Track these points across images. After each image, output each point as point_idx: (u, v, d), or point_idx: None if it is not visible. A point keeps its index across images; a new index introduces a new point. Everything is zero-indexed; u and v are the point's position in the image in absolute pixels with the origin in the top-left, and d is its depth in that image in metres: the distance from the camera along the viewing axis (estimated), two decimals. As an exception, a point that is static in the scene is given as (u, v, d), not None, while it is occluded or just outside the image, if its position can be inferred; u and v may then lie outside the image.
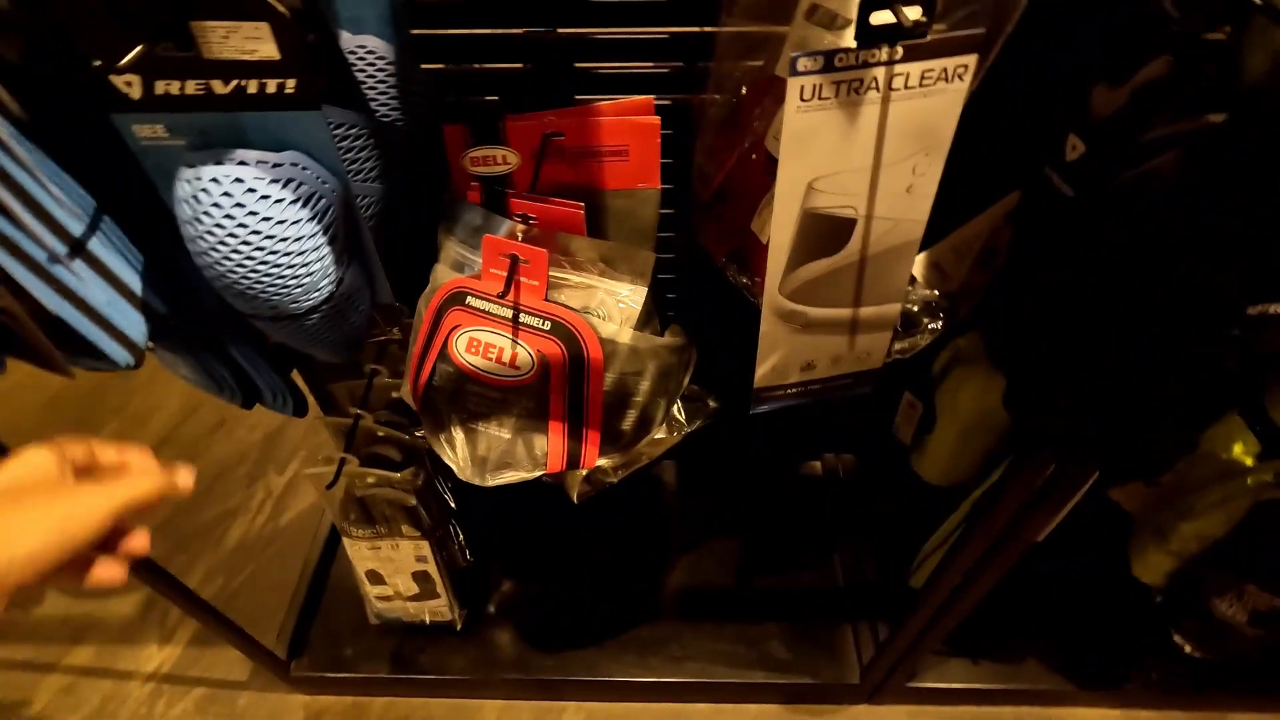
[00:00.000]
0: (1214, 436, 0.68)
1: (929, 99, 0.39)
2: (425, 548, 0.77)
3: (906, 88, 0.38)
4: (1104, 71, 0.44)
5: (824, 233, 0.44)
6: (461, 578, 0.87)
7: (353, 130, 0.53)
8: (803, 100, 0.37)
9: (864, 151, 0.40)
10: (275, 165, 0.45)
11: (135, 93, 0.42)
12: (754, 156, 0.50)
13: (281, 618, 0.95)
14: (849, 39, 0.46)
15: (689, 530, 1.02)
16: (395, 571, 0.80)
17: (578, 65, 0.64)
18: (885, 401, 0.89)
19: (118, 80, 0.42)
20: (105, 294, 0.48)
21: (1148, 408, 0.48)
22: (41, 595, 0.92)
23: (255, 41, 0.42)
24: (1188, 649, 0.79)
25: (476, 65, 0.63)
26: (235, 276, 0.45)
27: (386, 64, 0.58)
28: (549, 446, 0.51)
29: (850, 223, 0.44)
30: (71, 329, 0.47)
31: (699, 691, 0.91)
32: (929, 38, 0.36)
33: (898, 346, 0.55)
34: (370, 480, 0.71)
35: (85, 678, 0.98)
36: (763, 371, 0.53)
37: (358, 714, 0.93)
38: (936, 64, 0.37)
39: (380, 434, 0.73)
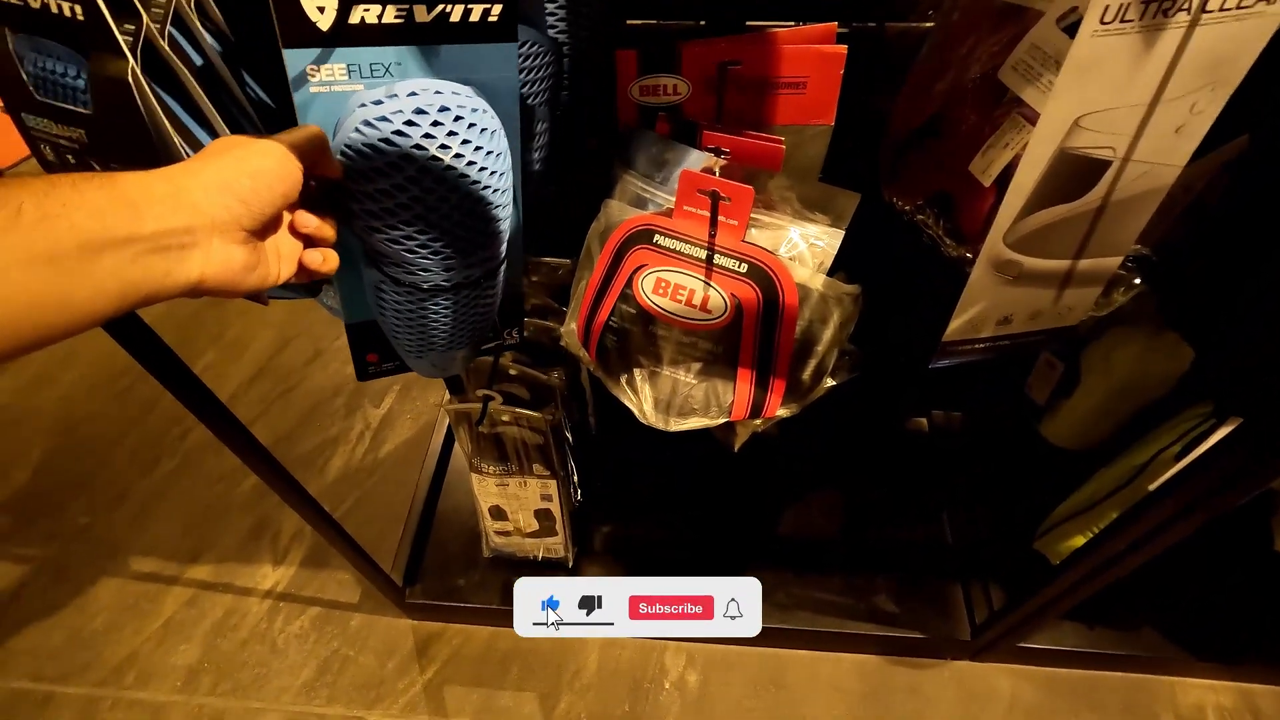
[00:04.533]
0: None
1: (1240, 23, 0.34)
2: (552, 486, 0.77)
3: (1222, 9, 0.33)
4: None
5: (1071, 176, 0.41)
6: (574, 516, 0.88)
7: (532, 48, 0.49)
8: (1102, 23, 0.33)
9: (1147, 85, 0.36)
10: (474, 99, 0.42)
11: (325, 22, 0.38)
12: (976, 90, 0.46)
13: (388, 546, 0.97)
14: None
15: (795, 479, 1.01)
16: (519, 508, 0.81)
17: (751, -15, 0.59)
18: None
19: (309, 5, 0.37)
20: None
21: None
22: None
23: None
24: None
25: (648, -17, 0.59)
26: (434, 217, 0.41)
27: (558, -20, 0.54)
28: (736, 394, 0.49)
29: (1103, 165, 0.40)
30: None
31: (800, 639, 0.91)
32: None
33: (1100, 303, 0.52)
34: (506, 418, 0.71)
35: (206, 592, 1.02)
36: (958, 324, 0.50)
37: (464, 642, 0.96)
38: (1260, -17, 0.33)
39: (513, 372, 0.72)
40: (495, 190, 0.42)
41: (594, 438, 0.95)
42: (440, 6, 0.40)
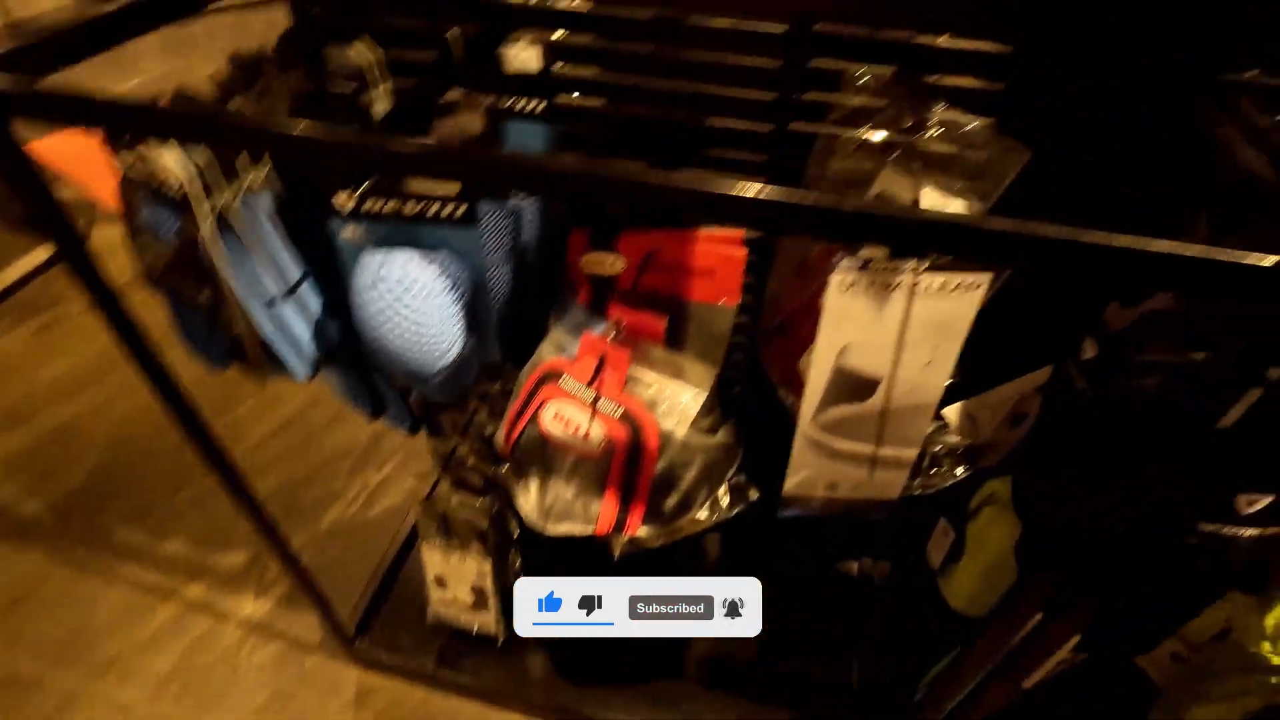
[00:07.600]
0: (1245, 627, 0.70)
1: (948, 302, 0.48)
2: (487, 566, 0.89)
3: (928, 291, 0.47)
4: (1119, 295, 0.52)
5: (853, 384, 0.54)
6: (510, 599, 0.99)
7: (496, 215, 0.67)
8: (841, 291, 0.48)
9: (890, 331, 0.50)
10: (433, 263, 0.59)
11: (348, 208, 0.58)
12: (815, 305, 0.60)
13: (354, 600, 1.10)
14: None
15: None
16: (458, 581, 0.92)
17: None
18: (923, 522, 0.95)
19: (339, 198, 0.57)
20: (302, 328, 0.65)
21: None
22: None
23: (448, 190, 0.58)
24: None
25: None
26: (387, 342, 0.59)
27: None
28: (602, 510, 0.62)
29: (876, 380, 0.53)
30: (274, 350, 0.63)
31: (699, 757, 0.97)
32: (949, 260, 0.46)
33: (916, 484, 0.63)
34: (454, 500, 0.84)
35: (191, 612, 1.16)
36: (791, 483, 0.62)
37: (398, 699, 1.06)
38: (955, 277, 0.47)
39: (470, 463, 0.87)
40: (426, 334, 0.59)
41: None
42: (420, 206, 0.58)
